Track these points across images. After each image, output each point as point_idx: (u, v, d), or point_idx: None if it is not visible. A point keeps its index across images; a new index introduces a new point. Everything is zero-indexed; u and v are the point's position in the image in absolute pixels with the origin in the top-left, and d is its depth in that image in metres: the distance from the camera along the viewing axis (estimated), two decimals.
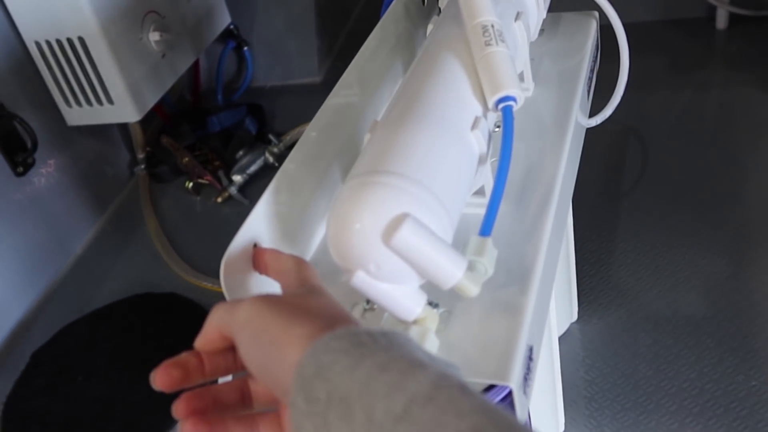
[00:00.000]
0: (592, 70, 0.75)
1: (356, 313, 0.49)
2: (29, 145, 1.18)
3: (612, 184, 1.20)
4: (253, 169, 1.34)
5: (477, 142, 0.51)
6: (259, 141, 1.41)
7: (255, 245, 0.49)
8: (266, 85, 1.64)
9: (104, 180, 1.40)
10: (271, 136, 1.35)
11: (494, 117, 0.56)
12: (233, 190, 1.32)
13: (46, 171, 1.24)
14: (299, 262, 0.44)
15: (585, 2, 0.80)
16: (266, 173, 1.37)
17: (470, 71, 0.54)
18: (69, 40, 1.14)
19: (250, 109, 1.47)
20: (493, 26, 0.54)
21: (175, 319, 1.11)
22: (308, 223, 0.56)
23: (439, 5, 0.71)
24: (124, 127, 1.43)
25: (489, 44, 0.53)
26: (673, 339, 0.93)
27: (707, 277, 1.00)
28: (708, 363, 0.89)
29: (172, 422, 0.96)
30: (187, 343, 1.12)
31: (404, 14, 0.73)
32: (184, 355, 0.42)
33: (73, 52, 1.15)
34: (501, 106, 0.52)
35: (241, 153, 1.36)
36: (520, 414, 0.45)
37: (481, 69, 0.53)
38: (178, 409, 0.40)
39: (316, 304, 0.39)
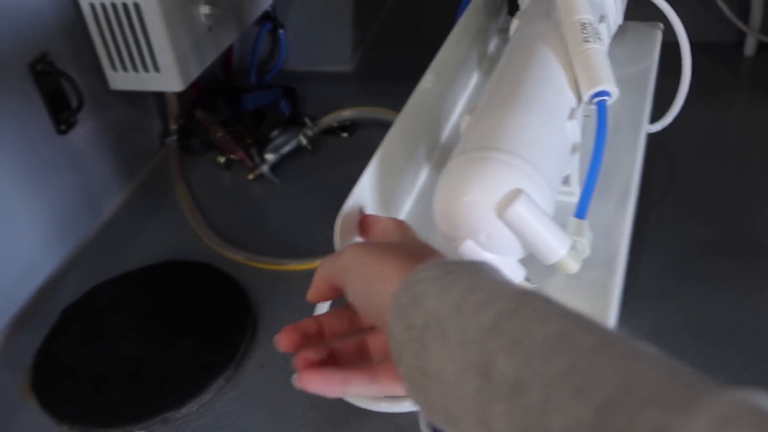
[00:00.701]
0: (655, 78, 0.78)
1: None
2: (74, 104, 1.19)
3: (640, 195, 1.23)
4: (286, 149, 1.36)
5: (573, 131, 0.53)
6: (291, 123, 1.43)
7: (360, 210, 0.51)
8: (298, 70, 1.66)
9: (135, 148, 1.41)
10: (306, 119, 1.37)
11: (582, 111, 0.59)
12: (265, 168, 1.34)
13: (83, 132, 1.26)
14: (399, 222, 0.47)
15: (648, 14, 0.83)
16: (298, 155, 1.39)
17: (566, 65, 0.57)
18: (124, 5, 1.16)
19: (285, 91, 1.49)
20: (591, 24, 0.57)
21: (208, 288, 1.13)
22: (399, 195, 0.58)
23: (518, 2, 0.73)
24: (159, 97, 1.44)
25: (587, 41, 0.56)
26: (695, 348, 0.96)
27: (731, 290, 1.04)
28: (730, 372, 0.92)
29: (203, 387, 0.98)
30: (219, 312, 1.14)
31: (483, 9, 0.75)
32: (304, 321, 0.44)
33: (126, 16, 1.17)
34: (596, 99, 0.55)
35: (275, 133, 1.38)
36: None
37: (578, 63, 0.56)
38: (296, 361, 0.42)
39: (409, 245, 0.42)
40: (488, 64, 0.72)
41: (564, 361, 0.29)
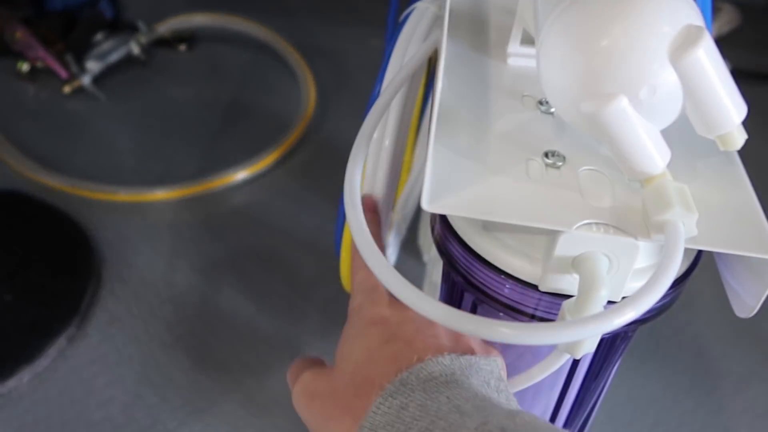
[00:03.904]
0: None
1: (533, 170, 0.37)
2: None
3: None
4: (113, 58, 1.09)
5: None
6: (113, 29, 1.16)
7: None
8: None
9: None
10: (140, 23, 1.11)
11: None
12: (86, 80, 1.07)
13: None
14: (373, 287, 0.41)
15: None
16: (126, 68, 1.13)
17: None
18: None
19: None
20: None
21: (25, 223, 0.86)
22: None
23: None
24: None
25: None
26: None
27: None
28: None
29: (37, 351, 0.73)
30: (46, 253, 0.88)
31: None
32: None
33: None
34: None
35: (99, 37, 1.10)
36: None
37: None
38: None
39: (352, 367, 0.36)
40: None
41: None
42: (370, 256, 0.34)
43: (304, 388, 0.38)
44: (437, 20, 0.52)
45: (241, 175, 0.94)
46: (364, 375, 0.35)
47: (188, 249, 0.86)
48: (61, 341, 0.74)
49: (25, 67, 1.08)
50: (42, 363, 0.72)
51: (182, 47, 1.17)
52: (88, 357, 0.74)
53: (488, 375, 0.35)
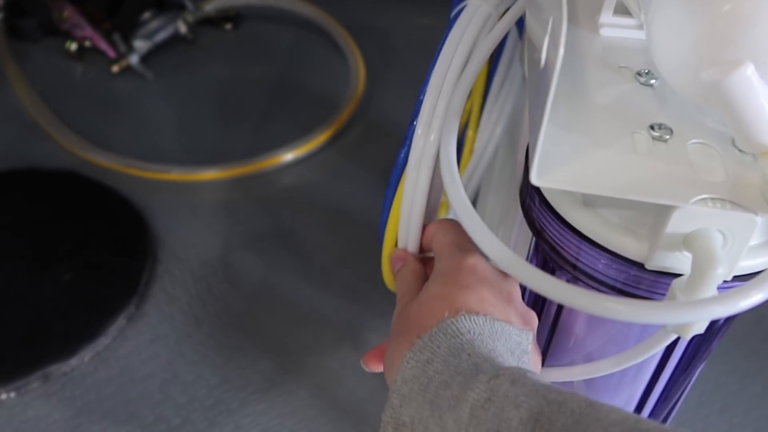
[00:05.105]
0: None
1: (640, 143, 0.35)
2: None
3: None
4: (161, 37, 1.09)
5: None
6: (159, 7, 1.15)
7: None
8: None
9: None
10: (186, 2, 1.10)
11: None
12: (134, 59, 1.06)
13: None
14: (439, 226, 0.45)
15: None
16: (172, 47, 1.12)
17: None
18: None
19: None
20: None
21: (81, 202, 0.86)
22: None
23: None
24: None
25: None
26: None
27: None
28: None
29: (98, 329, 0.73)
30: (103, 232, 0.88)
31: None
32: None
33: None
34: None
35: (147, 15, 1.10)
36: None
37: None
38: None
39: (416, 311, 0.40)
40: None
41: None
42: (475, 230, 0.33)
43: (401, 298, 0.43)
44: (489, 19, 0.50)
45: (292, 155, 0.93)
46: (414, 317, 0.39)
47: (242, 228, 0.85)
48: (120, 320, 0.74)
49: (73, 46, 1.08)
50: (103, 342, 0.72)
51: (228, 26, 1.16)
52: (148, 336, 0.74)
53: (515, 345, 0.38)
